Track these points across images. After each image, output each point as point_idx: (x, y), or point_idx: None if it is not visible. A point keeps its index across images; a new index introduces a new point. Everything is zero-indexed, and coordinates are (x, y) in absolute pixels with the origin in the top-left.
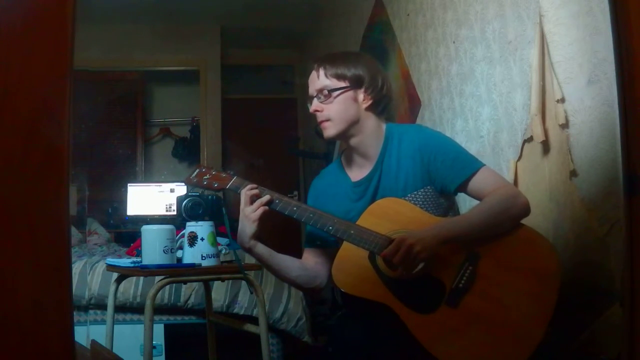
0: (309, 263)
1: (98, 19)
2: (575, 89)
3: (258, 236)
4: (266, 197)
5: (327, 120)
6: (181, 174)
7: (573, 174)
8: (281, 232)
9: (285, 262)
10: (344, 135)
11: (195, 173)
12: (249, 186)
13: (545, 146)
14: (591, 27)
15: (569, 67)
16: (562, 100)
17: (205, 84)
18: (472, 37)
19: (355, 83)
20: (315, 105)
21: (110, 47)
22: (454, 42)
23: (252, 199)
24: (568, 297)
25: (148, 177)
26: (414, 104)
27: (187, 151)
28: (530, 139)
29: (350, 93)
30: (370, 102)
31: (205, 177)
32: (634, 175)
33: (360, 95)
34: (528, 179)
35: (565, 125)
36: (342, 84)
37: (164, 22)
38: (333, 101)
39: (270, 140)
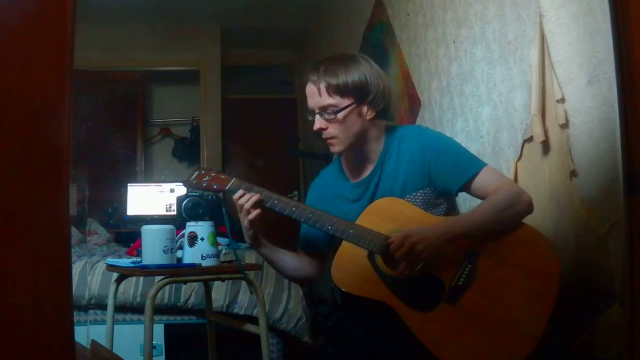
0: (303, 262)
1: (98, 19)
2: (575, 89)
3: (256, 239)
4: (253, 199)
5: (333, 138)
6: (181, 174)
7: (573, 174)
8: (280, 228)
9: (286, 262)
10: (350, 148)
11: (195, 175)
12: (238, 193)
13: (545, 146)
14: (591, 27)
15: (569, 67)
16: (562, 100)
17: (205, 84)
18: (472, 37)
19: (359, 96)
20: (319, 123)
21: (110, 47)
22: (454, 42)
23: (241, 205)
24: (568, 297)
25: (148, 177)
26: (414, 104)
27: (187, 151)
28: (530, 139)
29: (354, 109)
30: (374, 114)
31: (205, 178)
32: (634, 175)
33: (365, 108)
34: (528, 179)
35: (565, 125)
36: (347, 101)
37: (164, 22)
38: (337, 120)
39: (270, 140)
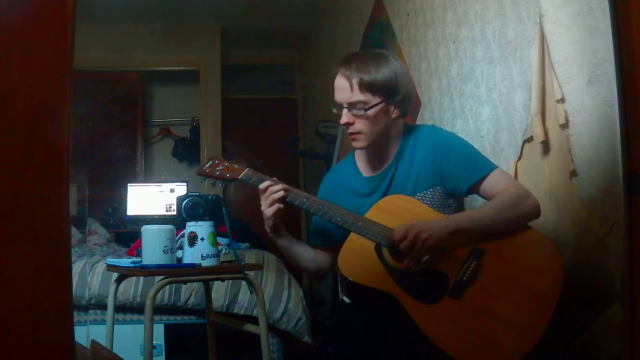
0: (317, 254)
1: (98, 19)
2: (575, 89)
3: (277, 230)
4: (279, 194)
5: (359, 133)
6: (181, 174)
7: (573, 174)
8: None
9: (301, 253)
10: (373, 145)
11: (209, 164)
12: (267, 182)
13: (545, 146)
14: (591, 27)
15: (569, 67)
16: (562, 100)
17: (205, 84)
18: (472, 37)
19: (389, 95)
20: (346, 117)
21: (110, 47)
22: (454, 42)
23: (267, 194)
24: (568, 297)
25: (148, 177)
26: (414, 104)
27: (187, 151)
28: (530, 139)
29: (383, 107)
30: (399, 113)
31: (218, 167)
32: (634, 175)
33: (392, 107)
34: (528, 179)
35: (565, 125)
36: (377, 99)
37: (164, 22)
38: (366, 116)
39: (270, 140)
